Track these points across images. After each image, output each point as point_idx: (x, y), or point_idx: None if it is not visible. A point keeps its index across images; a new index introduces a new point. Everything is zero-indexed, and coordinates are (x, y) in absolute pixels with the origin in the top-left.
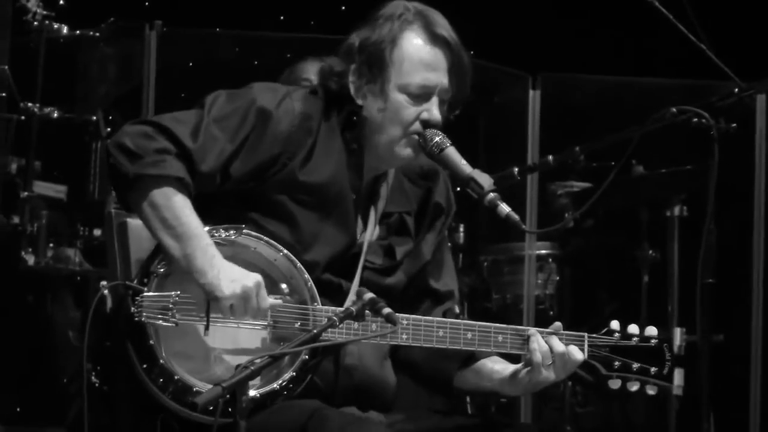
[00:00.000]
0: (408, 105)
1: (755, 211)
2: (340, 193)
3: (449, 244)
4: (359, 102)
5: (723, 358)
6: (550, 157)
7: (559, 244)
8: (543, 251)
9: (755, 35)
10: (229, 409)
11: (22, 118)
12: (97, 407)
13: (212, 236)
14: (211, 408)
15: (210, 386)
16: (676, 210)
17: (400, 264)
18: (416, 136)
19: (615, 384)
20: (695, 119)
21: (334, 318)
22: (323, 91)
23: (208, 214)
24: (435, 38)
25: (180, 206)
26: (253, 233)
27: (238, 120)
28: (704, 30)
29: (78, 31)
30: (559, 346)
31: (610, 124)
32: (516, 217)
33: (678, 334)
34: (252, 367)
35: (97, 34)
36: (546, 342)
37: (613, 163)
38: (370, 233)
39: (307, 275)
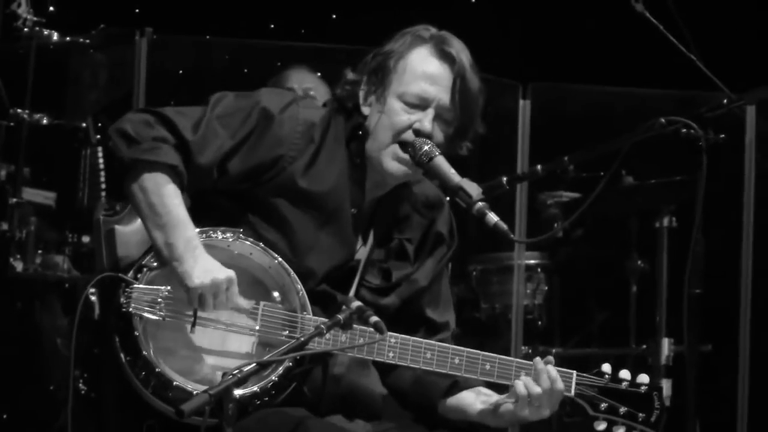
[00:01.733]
0: (402, 112)
1: (744, 222)
2: (340, 206)
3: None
4: (364, 110)
5: (711, 368)
6: (539, 167)
7: (548, 254)
8: (532, 261)
9: (745, 46)
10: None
11: (12, 124)
12: (84, 414)
13: (209, 237)
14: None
15: (191, 384)
16: (665, 220)
17: (396, 286)
18: (403, 152)
19: (600, 425)
20: (684, 130)
21: (322, 327)
22: (333, 101)
23: (207, 214)
24: (443, 54)
25: (169, 194)
26: (250, 239)
27: (241, 118)
28: (694, 41)
29: (68, 38)
30: (545, 381)
31: (600, 134)
32: (504, 226)
33: (666, 344)
34: (239, 375)
35: (88, 40)
36: (534, 376)
37: (602, 173)
38: (368, 250)
39: (299, 285)
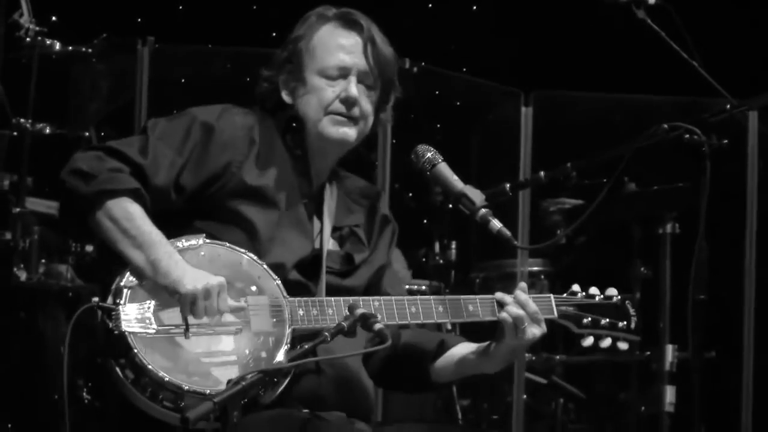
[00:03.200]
0: (326, 87)
1: (747, 228)
2: (290, 197)
3: (441, 261)
4: (287, 100)
5: (715, 375)
6: (542, 174)
7: (550, 261)
8: (535, 268)
9: (747, 52)
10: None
11: (15, 134)
12: (89, 423)
13: (175, 246)
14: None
15: (200, 387)
16: (668, 227)
17: (358, 267)
18: (339, 116)
19: (587, 341)
20: (687, 136)
21: (326, 334)
22: (259, 101)
23: (165, 232)
24: (350, 23)
25: (138, 216)
26: (215, 241)
27: (182, 135)
28: (696, 47)
29: (70, 47)
30: (530, 303)
31: (602, 141)
32: (507, 233)
33: (670, 351)
34: (243, 383)
35: (90, 50)
36: (515, 301)
37: (605, 180)
38: (326, 238)
39: (273, 273)
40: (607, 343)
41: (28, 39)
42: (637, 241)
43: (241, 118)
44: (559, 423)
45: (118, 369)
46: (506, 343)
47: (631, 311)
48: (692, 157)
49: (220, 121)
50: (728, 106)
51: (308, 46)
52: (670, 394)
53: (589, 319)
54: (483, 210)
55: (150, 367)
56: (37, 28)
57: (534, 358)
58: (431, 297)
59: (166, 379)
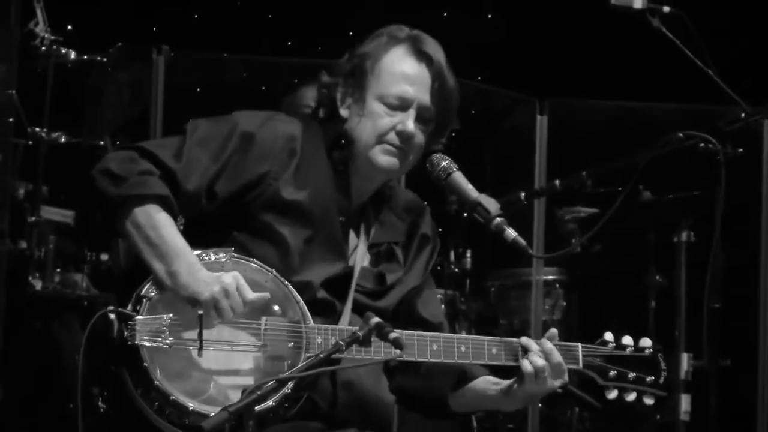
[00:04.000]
0: (384, 115)
1: (762, 236)
2: (327, 214)
3: (456, 269)
4: (343, 113)
5: (730, 383)
6: (557, 182)
7: (566, 270)
8: (550, 276)
9: (762, 60)
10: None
11: (30, 143)
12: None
13: (202, 259)
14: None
15: (206, 407)
16: (684, 235)
17: (390, 288)
18: (390, 146)
19: (611, 394)
20: (702, 144)
21: (341, 343)
22: (311, 110)
23: (196, 238)
24: (420, 54)
25: (163, 224)
26: (242, 257)
27: (221, 141)
28: (711, 55)
29: (86, 56)
30: (554, 354)
31: (617, 149)
32: (523, 242)
33: (685, 360)
34: (259, 392)
35: (105, 59)
36: (540, 350)
37: (620, 189)
38: (361, 257)
39: (297, 296)
40: (632, 397)
41: (43, 48)
42: (652, 249)
43: (284, 128)
44: (574, 419)
45: (129, 379)
46: (525, 388)
47: (662, 365)
48: (707, 165)
49: (261, 130)
50: (743, 115)
51: (374, 67)
52: (685, 402)
53: (616, 372)
54: (498, 219)
55: (157, 383)
56: (53, 37)
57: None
58: (455, 336)
59: (171, 397)
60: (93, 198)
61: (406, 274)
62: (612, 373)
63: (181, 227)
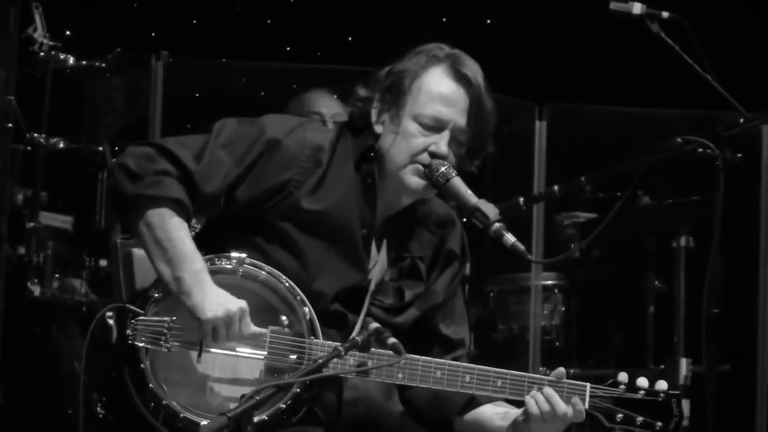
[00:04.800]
0: (418, 134)
1: (761, 242)
2: (348, 226)
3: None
4: (377, 129)
5: (729, 389)
6: (556, 187)
7: (565, 275)
8: (549, 282)
9: (761, 66)
10: None
11: (29, 148)
12: None
13: (213, 264)
14: None
15: (199, 414)
16: (682, 240)
17: (409, 305)
18: (421, 166)
19: None
20: (701, 149)
21: (340, 348)
22: (344, 120)
23: (214, 238)
24: (458, 76)
25: (174, 228)
26: (256, 263)
27: (246, 146)
28: (710, 60)
29: (84, 62)
30: (559, 405)
31: (616, 154)
32: (521, 247)
33: (684, 364)
34: (257, 397)
35: (104, 64)
36: (545, 397)
37: (619, 194)
38: (379, 271)
39: (306, 308)
40: None
41: (41, 53)
42: (651, 254)
43: (312, 137)
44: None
45: (129, 379)
46: (530, 424)
47: (675, 411)
48: (706, 170)
49: (288, 137)
50: (742, 120)
51: (412, 85)
52: (684, 407)
53: (623, 415)
54: (497, 224)
55: (151, 385)
56: (51, 43)
57: (548, 372)
58: (460, 365)
59: (164, 402)
60: (108, 191)
61: (426, 291)
62: (619, 416)
63: (195, 231)
